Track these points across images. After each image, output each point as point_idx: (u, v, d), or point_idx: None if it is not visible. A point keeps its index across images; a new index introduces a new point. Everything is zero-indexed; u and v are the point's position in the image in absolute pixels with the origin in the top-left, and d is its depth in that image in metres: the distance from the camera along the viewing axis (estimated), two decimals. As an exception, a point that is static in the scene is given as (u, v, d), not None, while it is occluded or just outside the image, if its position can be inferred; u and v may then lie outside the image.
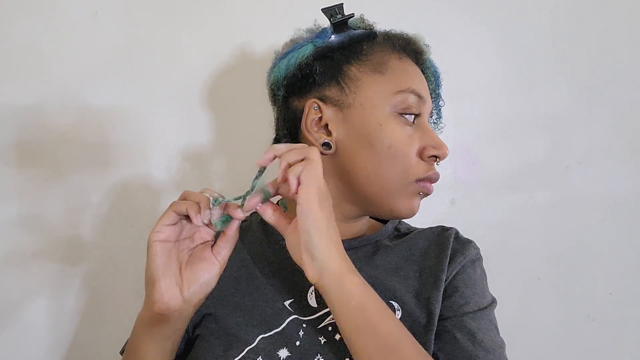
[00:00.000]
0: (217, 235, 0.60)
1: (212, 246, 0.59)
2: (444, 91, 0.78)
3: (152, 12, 0.91)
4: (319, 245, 0.52)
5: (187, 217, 0.56)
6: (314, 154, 0.53)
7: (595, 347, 0.97)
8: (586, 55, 0.99)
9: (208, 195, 0.57)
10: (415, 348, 0.53)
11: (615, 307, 0.98)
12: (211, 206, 0.57)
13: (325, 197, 0.53)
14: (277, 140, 0.74)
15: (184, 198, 0.58)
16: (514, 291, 0.97)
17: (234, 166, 0.93)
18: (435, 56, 0.75)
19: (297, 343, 0.59)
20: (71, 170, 0.89)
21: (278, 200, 0.55)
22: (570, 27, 0.99)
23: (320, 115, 0.65)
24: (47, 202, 0.88)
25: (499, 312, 0.66)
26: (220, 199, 0.57)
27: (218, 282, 0.59)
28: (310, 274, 0.53)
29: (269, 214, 0.57)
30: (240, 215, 0.56)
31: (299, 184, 0.52)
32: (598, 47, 0.99)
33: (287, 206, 0.65)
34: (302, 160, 0.53)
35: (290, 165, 0.53)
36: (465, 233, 0.71)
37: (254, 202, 0.56)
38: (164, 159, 0.91)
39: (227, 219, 0.57)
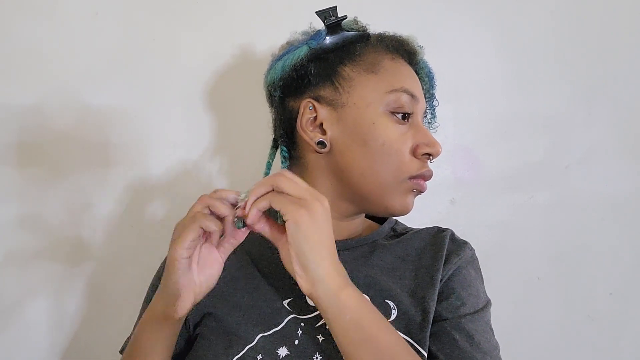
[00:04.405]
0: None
1: (217, 245, 0.59)
2: (444, 91, 0.78)
3: (152, 12, 0.91)
4: (312, 258, 0.52)
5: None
6: (280, 179, 0.54)
7: (595, 347, 0.97)
8: (586, 55, 0.99)
9: (233, 199, 0.56)
10: (412, 357, 0.54)
11: (615, 307, 0.98)
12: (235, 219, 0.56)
13: (316, 203, 0.53)
14: (275, 141, 0.75)
15: (206, 205, 0.56)
16: (514, 291, 0.97)
17: (234, 166, 0.93)
18: (435, 56, 0.76)
19: (296, 342, 0.60)
20: (71, 170, 0.89)
21: (269, 210, 0.55)
22: (570, 28, 0.99)
23: (315, 115, 0.66)
24: (47, 202, 0.88)
25: (499, 312, 0.66)
26: (241, 198, 0.57)
27: (218, 282, 0.60)
28: (304, 286, 0.53)
29: (261, 226, 0.57)
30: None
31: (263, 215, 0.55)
32: (598, 48, 0.99)
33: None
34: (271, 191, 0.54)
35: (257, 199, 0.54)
36: (465, 233, 0.72)
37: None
38: (165, 159, 0.91)
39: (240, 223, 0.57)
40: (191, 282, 0.56)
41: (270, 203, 0.54)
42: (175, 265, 0.54)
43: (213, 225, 0.54)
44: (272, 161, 0.75)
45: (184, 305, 0.56)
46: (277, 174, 0.56)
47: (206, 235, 0.57)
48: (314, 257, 0.52)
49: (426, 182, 0.67)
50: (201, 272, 0.57)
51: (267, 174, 0.74)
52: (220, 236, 0.58)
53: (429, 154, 0.66)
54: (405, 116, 0.66)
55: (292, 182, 0.55)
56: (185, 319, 0.65)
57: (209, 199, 0.56)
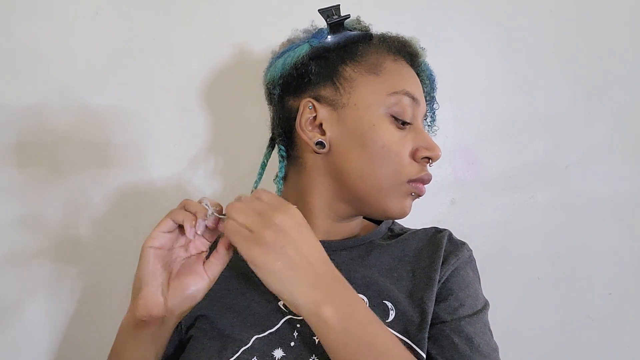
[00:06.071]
0: (212, 249, 0.59)
1: (205, 260, 0.58)
2: (444, 91, 0.78)
3: (151, 12, 0.91)
4: (282, 289, 0.51)
5: (182, 227, 0.56)
6: (230, 209, 0.53)
7: (595, 347, 0.97)
8: (586, 55, 0.99)
9: (206, 204, 0.57)
10: None
11: (615, 307, 0.98)
12: (208, 216, 0.56)
13: (265, 232, 0.51)
14: (272, 140, 0.74)
15: (183, 206, 0.57)
16: (514, 291, 0.97)
17: (233, 166, 0.93)
18: (436, 56, 0.75)
19: (292, 343, 0.59)
20: (71, 170, 0.89)
21: None
22: (570, 27, 0.99)
23: (314, 115, 0.66)
24: (47, 202, 0.88)
25: (499, 313, 0.66)
26: (215, 209, 0.57)
27: None
28: (289, 307, 0.54)
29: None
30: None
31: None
32: (598, 47, 0.99)
33: None
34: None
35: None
36: (465, 233, 0.72)
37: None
38: (164, 159, 0.91)
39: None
40: (157, 279, 0.55)
41: (228, 237, 0.53)
42: (142, 255, 0.55)
43: (181, 216, 0.55)
44: (267, 161, 0.75)
45: (147, 302, 0.54)
46: (233, 201, 0.55)
47: (181, 232, 0.57)
48: (283, 287, 0.51)
49: (425, 185, 0.66)
50: (178, 279, 0.57)
51: (261, 174, 0.74)
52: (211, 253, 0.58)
53: (429, 158, 0.66)
54: (405, 123, 0.65)
55: (241, 210, 0.53)
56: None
57: (185, 200, 0.58)
